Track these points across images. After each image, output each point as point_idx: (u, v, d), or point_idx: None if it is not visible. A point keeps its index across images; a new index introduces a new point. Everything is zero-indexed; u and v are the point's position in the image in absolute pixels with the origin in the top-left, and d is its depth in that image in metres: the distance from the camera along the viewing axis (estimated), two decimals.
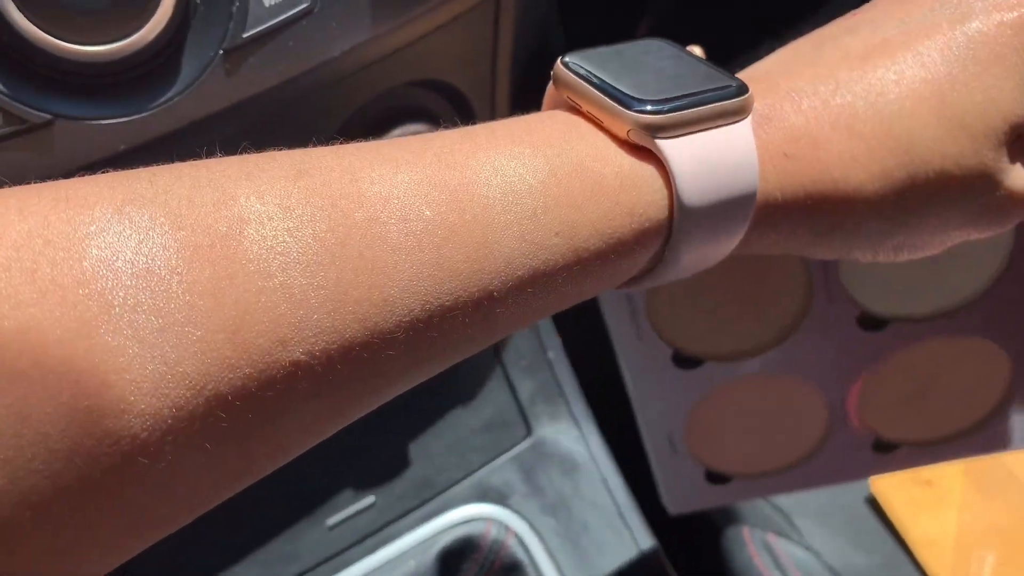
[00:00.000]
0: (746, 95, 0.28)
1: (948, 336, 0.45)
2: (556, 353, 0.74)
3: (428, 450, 0.68)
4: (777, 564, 0.66)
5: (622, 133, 0.28)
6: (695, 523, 0.71)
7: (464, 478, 0.67)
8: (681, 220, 0.28)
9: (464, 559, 0.64)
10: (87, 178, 0.22)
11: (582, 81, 0.29)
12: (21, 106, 0.36)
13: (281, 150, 0.25)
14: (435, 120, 0.48)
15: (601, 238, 0.27)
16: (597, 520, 0.66)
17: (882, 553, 0.70)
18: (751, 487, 0.53)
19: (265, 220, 0.22)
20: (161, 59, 0.38)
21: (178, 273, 0.20)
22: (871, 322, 0.45)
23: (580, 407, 0.72)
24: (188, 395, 0.20)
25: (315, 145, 0.26)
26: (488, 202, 0.25)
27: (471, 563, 0.63)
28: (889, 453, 0.49)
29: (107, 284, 0.20)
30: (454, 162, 0.25)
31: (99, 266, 0.20)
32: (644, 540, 0.66)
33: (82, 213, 0.20)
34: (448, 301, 0.24)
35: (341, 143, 0.26)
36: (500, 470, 0.68)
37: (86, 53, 0.36)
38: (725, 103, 0.28)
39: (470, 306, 0.25)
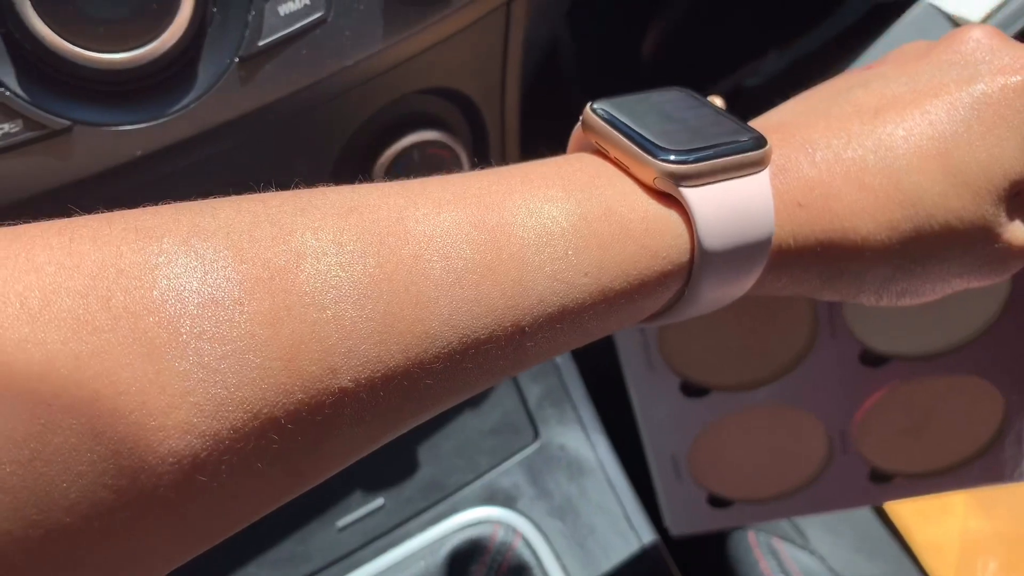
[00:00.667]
0: (765, 148, 0.30)
1: (945, 374, 0.46)
2: (564, 358, 0.75)
3: (437, 453, 0.69)
4: (783, 569, 0.67)
5: (648, 180, 0.29)
6: None
7: (472, 481, 0.68)
8: (702, 263, 0.29)
9: (472, 561, 0.64)
10: (152, 209, 0.24)
11: (610, 128, 0.30)
12: (41, 112, 0.36)
13: (329, 186, 0.27)
14: (446, 127, 0.49)
15: (627, 279, 0.28)
16: (603, 523, 0.67)
17: (887, 559, 0.70)
18: (751, 512, 0.55)
19: (320, 255, 0.23)
20: (178, 67, 0.39)
21: (240, 304, 0.22)
22: (872, 359, 0.47)
23: (588, 411, 0.72)
24: (245, 418, 0.21)
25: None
26: (524, 242, 0.26)
27: (479, 565, 0.64)
28: (885, 483, 0.50)
29: (175, 312, 0.21)
30: (492, 203, 0.27)
31: (168, 295, 0.21)
32: (650, 544, 0.66)
33: (151, 244, 0.22)
34: (483, 335, 0.25)
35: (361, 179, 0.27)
36: (508, 473, 0.69)
37: (105, 61, 0.37)
38: (745, 155, 0.30)
39: (503, 340, 0.26)
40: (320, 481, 0.26)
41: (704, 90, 0.71)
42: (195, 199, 0.43)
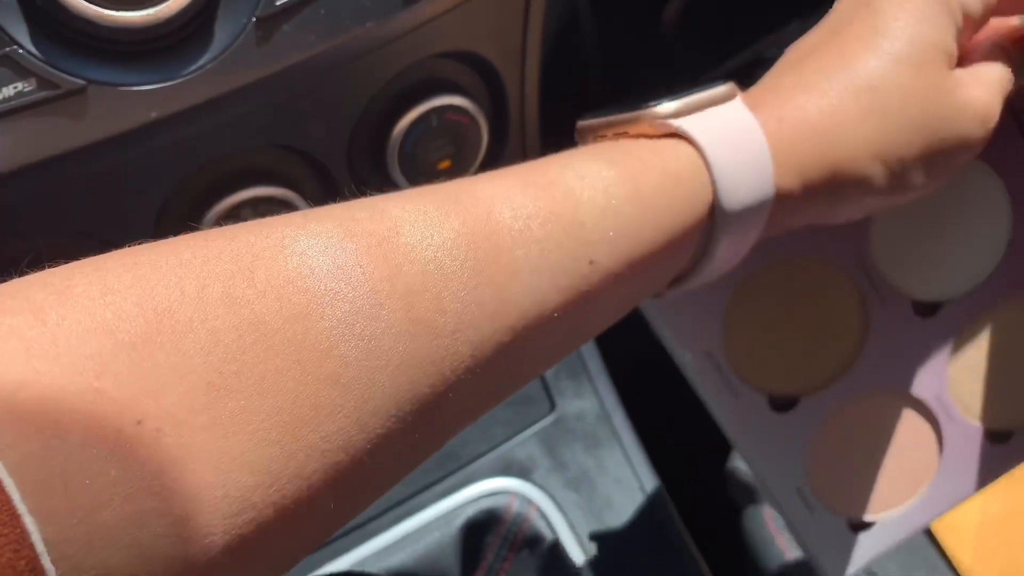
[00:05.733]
0: (728, 84, 0.35)
1: (1001, 302, 0.46)
2: None
3: None
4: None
5: (650, 131, 0.34)
6: (717, 501, 0.71)
7: (488, 452, 0.68)
8: (718, 184, 0.33)
9: (487, 532, 0.64)
10: (256, 221, 0.27)
11: (602, 117, 0.36)
12: (55, 71, 0.36)
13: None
14: (465, 93, 0.48)
15: (669, 230, 0.32)
16: (619, 495, 0.66)
17: None
18: (895, 527, 0.51)
19: (412, 223, 0.27)
20: (194, 26, 0.38)
21: (360, 267, 0.25)
22: (924, 308, 0.46)
23: (604, 383, 0.72)
24: (397, 363, 0.25)
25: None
26: (575, 194, 0.31)
27: (494, 536, 0.64)
28: (1005, 443, 0.49)
29: (309, 281, 0.24)
30: (538, 169, 0.31)
31: (300, 267, 0.24)
32: (665, 516, 0.66)
33: (275, 232, 0.25)
34: (559, 275, 0.29)
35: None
36: (524, 444, 0.68)
37: (120, 19, 0.36)
38: (716, 91, 0.35)
39: (573, 282, 0.30)
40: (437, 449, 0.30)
41: (724, 61, 0.70)
42: (211, 165, 0.43)
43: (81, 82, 0.36)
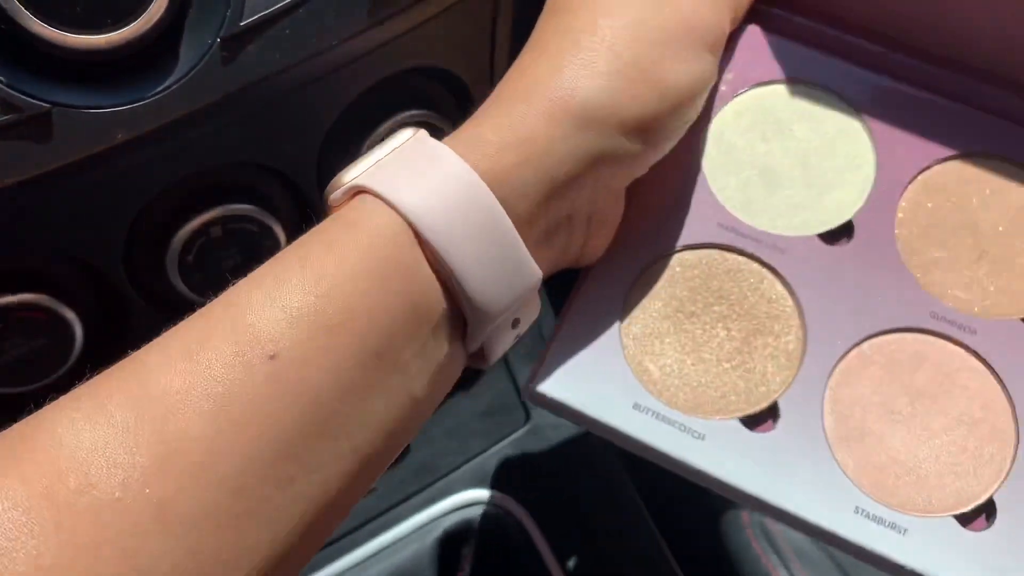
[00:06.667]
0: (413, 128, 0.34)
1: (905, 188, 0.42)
2: None
3: (428, 435, 0.69)
4: (774, 547, 0.67)
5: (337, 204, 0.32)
6: (693, 506, 0.71)
7: (464, 463, 0.68)
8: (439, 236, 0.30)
9: (464, 543, 0.64)
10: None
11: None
12: (18, 95, 0.36)
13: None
14: (434, 106, 0.48)
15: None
16: (595, 505, 0.67)
17: None
18: None
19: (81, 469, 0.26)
20: (158, 47, 0.38)
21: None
22: (831, 236, 0.42)
23: None
24: None
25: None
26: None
27: (471, 547, 0.64)
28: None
29: None
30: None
31: None
32: (641, 524, 0.66)
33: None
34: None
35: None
36: (499, 455, 0.69)
37: (83, 41, 0.36)
38: (400, 135, 0.34)
39: None
40: None
41: None
42: (181, 184, 0.42)
43: (45, 105, 0.36)
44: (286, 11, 0.39)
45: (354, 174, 0.32)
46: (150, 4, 0.36)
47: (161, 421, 0.25)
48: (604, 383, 0.40)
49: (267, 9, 0.39)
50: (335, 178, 0.32)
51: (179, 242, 0.43)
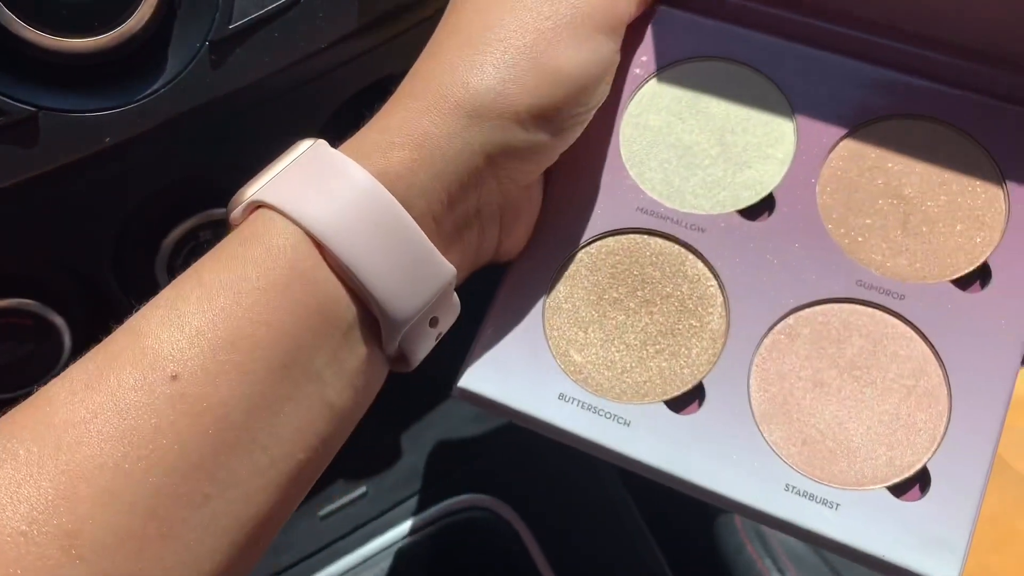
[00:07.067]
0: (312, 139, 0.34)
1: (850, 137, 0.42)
2: None
3: (420, 440, 0.69)
4: (768, 551, 0.67)
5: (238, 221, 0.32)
6: (687, 510, 0.71)
7: (456, 468, 0.67)
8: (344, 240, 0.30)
9: (456, 548, 0.64)
10: None
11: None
12: (4, 99, 0.36)
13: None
14: None
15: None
16: (589, 510, 0.66)
17: None
18: None
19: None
20: (147, 51, 0.38)
21: None
22: (751, 212, 0.41)
23: None
24: None
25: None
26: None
27: (463, 552, 0.64)
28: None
29: None
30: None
31: None
32: (636, 528, 0.66)
33: None
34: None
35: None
36: (492, 460, 0.68)
37: (70, 45, 0.36)
38: (300, 146, 0.34)
39: None
40: None
41: None
42: (169, 188, 0.42)
43: (31, 109, 0.36)
44: (275, 14, 0.39)
45: (253, 190, 0.31)
46: (138, 7, 0.36)
47: (67, 451, 0.26)
48: (529, 375, 0.39)
49: (256, 12, 0.39)
50: (235, 195, 0.32)
51: (168, 246, 0.43)
